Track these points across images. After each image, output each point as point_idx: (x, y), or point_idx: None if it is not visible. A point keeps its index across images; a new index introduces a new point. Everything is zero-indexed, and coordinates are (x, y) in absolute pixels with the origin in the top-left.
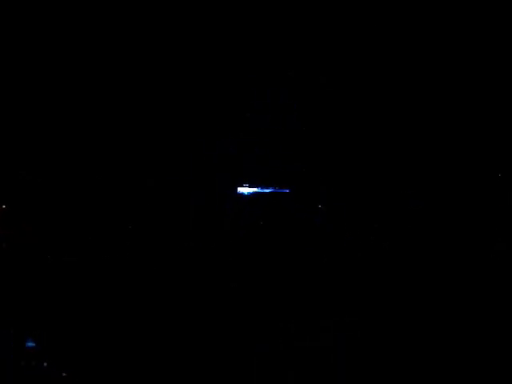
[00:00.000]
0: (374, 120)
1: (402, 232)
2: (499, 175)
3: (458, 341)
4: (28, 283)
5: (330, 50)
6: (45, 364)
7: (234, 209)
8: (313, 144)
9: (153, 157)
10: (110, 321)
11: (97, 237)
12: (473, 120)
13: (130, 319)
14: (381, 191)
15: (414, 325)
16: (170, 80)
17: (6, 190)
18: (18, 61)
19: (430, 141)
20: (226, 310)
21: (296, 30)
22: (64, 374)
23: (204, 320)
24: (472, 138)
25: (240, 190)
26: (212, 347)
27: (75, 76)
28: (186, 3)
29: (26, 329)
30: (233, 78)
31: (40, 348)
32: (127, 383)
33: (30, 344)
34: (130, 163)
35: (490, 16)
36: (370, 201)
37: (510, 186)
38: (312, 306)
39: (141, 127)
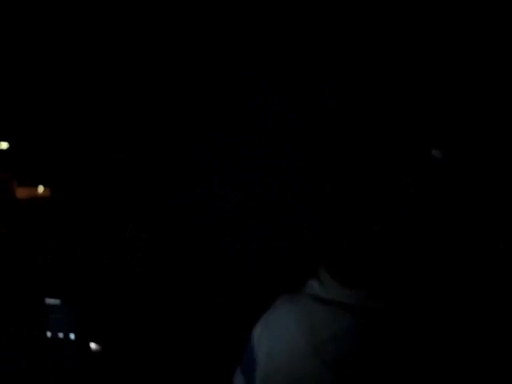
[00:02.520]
0: (375, 120)
1: (402, 232)
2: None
3: (459, 341)
4: (28, 283)
5: (329, 50)
6: (45, 363)
7: (233, 209)
8: (313, 144)
9: (152, 157)
10: (109, 320)
11: (97, 237)
12: (473, 120)
13: (129, 319)
14: (381, 191)
15: (414, 325)
16: (169, 80)
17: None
18: (17, 61)
19: (431, 141)
20: (225, 310)
21: (296, 30)
22: (64, 374)
23: (204, 320)
24: (472, 137)
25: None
26: (212, 347)
27: (75, 76)
28: (186, 3)
29: (27, 329)
30: (233, 78)
31: (40, 348)
32: (127, 382)
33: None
34: (130, 163)
35: (490, 16)
36: (370, 201)
37: (510, 185)
38: None
39: (140, 127)
